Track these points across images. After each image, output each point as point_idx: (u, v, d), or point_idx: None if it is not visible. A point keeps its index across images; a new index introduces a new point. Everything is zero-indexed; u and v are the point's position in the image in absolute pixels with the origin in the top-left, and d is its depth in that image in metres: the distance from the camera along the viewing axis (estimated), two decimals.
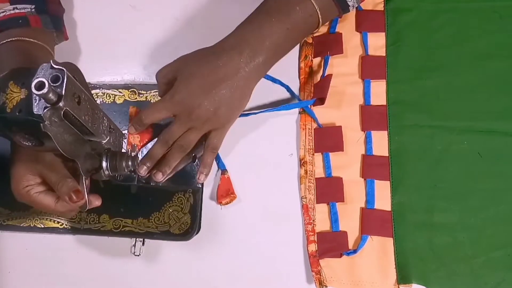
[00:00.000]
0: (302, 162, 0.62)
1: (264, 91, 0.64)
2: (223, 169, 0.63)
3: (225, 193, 0.62)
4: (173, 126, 0.56)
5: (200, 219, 0.62)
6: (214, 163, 0.63)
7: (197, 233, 0.62)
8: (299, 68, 0.66)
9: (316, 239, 0.60)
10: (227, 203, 0.62)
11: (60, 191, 0.53)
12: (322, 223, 0.61)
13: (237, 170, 0.64)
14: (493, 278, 0.57)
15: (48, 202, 0.54)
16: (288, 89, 0.65)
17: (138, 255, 0.62)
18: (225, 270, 0.61)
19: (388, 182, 0.61)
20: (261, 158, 0.64)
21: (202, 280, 0.61)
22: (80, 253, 0.64)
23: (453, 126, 0.61)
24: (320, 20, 0.57)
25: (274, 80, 0.66)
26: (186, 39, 0.68)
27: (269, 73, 0.61)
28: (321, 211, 0.61)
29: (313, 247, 0.60)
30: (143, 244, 0.63)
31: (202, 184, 0.63)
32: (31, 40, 0.60)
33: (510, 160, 0.60)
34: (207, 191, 0.63)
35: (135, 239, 0.63)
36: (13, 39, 0.59)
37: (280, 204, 0.62)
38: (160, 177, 0.57)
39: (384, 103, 0.63)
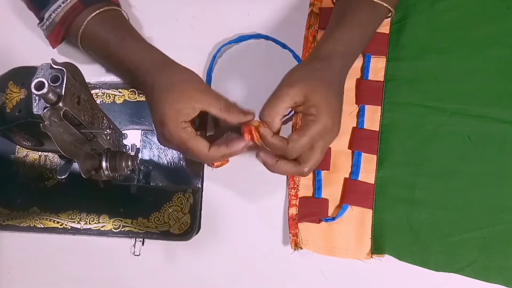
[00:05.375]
0: (294, 130, 0.63)
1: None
2: None
3: None
4: (317, 152, 0.53)
5: (200, 219, 0.62)
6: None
7: (196, 233, 0.62)
8: (304, 37, 0.66)
9: (297, 204, 0.61)
10: (218, 166, 0.62)
11: (231, 114, 0.54)
12: (306, 189, 0.62)
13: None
14: (466, 258, 0.58)
15: (202, 146, 0.53)
16: (293, 53, 0.66)
17: (138, 255, 0.62)
18: (225, 270, 0.61)
19: (375, 156, 0.61)
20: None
21: (202, 280, 0.61)
22: (80, 253, 0.64)
23: (446, 107, 0.62)
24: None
25: (281, 44, 0.66)
26: (186, 39, 0.68)
27: (276, 37, 0.65)
28: (306, 177, 0.62)
29: (293, 211, 0.61)
30: (143, 244, 0.63)
31: (202, 184, 0.63)
32: (118, 8, 0.63)
33: (498, 146, 0.60)
34: None
35: (135, 239, 0.63)
36: (104, 9, 0.60)
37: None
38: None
39: (382, 79, 0.63)
